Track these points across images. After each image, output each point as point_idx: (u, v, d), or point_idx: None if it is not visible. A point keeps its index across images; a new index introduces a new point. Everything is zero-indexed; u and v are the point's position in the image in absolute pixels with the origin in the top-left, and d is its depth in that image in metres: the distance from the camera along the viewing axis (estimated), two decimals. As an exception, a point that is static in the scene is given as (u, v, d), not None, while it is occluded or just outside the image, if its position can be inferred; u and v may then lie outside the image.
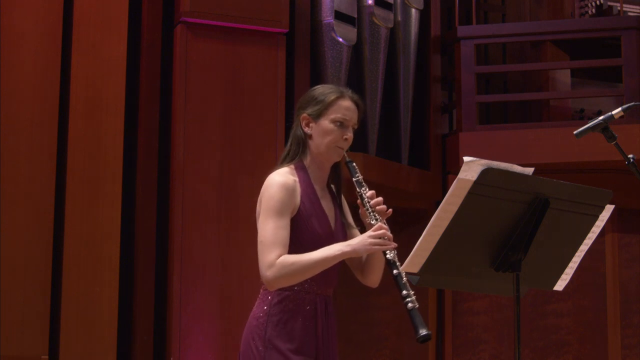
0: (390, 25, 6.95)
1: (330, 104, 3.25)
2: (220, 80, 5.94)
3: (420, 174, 7.11)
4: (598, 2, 7.99)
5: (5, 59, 5.50)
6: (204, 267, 5.73)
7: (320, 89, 3.32)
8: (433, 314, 7.10)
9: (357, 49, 6.75)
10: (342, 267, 3.30)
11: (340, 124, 3.25)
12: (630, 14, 7.88)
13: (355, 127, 3.30)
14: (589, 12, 8.02)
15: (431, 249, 2.90)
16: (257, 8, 6.01)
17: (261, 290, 3.24)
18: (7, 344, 5.29)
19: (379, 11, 6.86)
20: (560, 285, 3.20)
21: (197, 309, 5.66)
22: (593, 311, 7.11)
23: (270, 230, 3.13)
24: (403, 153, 7.04)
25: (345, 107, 3.26)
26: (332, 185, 3.37)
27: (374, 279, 3.28)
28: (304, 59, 6.44)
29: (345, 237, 3.26)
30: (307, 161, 3.29)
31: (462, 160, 2.87)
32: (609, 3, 7.98)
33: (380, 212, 3.16)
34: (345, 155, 3.27)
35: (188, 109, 5.84)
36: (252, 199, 5.94)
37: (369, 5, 6.83)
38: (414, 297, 2.99)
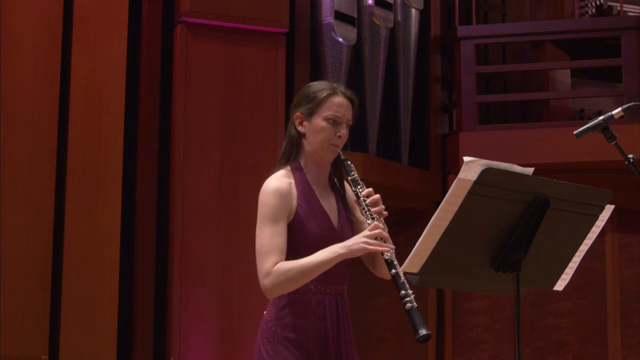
0: (390, 25, 6.95)
1: (322, 102, 3.19)
2: (220, 80, 5.94)
3: (420, 174, 7.11)
4: (598, 2, 7.99)
5: (5, 59, 5.50)
6: (204, 267, 5.73)
7: (312, 87, 3.26)
8: (433, 314, 7.10)
9: (357, 49, 6.76)
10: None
11: (333, 122, 3.18)
12: (630, 14, 7.88)
13: (350, 123, 3.23)
14: (589, 12, 8.03)
15: (431, 249, 2.90)
16: (257, 8, 6.01)
17: None
18: (7, 344, 5.29)
19: (379, 11, 6.86)
20: (560, 285, 3.20)
21: (197, 309, 5.66)
22: (593, 311, 7.11)
23: (266, 238, 3.11)
24: (403, 153, 7.04)
25: (338, 103, 3.20)
26: (336, 181, 3.32)
27: (385, 272, 3.15)
28: (304, 59, 6.44)
29: (353, 233, 3.20)
30: (303, 161, 3.24)
31: (462, 160, 2.87)
32: (609, 3, 7.98)
33: (376, 213, 3.11)
34: (341, 153, 3.21)
35: (188, 109, 5.84)
36: (252, 199, 5.95)
37: (369, 5, 6.83)
38: (412, 297, 2.95)
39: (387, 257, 3.04)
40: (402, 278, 3.00)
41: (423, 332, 2.90)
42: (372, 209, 3.11)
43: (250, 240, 5.82)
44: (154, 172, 5.96)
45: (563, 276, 3.18)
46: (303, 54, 6.46)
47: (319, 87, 3.25)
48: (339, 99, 3.20)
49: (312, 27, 6.57)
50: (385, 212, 3.14)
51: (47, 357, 5.36)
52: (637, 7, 8.20)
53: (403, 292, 2.97)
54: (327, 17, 6.56)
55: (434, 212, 2.89)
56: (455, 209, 2.87)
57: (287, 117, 6.22)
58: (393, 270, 3.01)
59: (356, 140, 6.78)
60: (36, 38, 5.57)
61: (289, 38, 6.28)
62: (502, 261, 3.00)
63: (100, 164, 5.61)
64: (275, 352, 3.12)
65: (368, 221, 3.09)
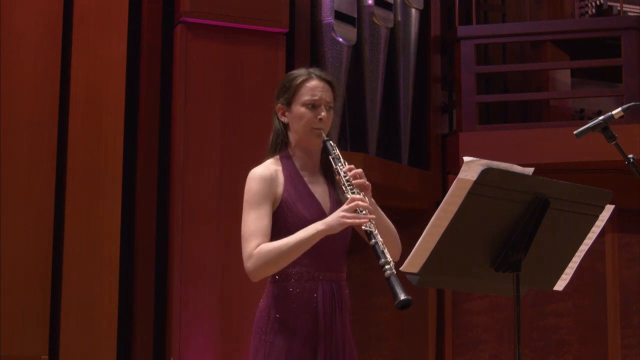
0: (390, 25, 6.95)
1: (298, 88, 3.23)
2: (220, 80, 5.94)
3: (420, 174, 7.12)
4: (598, 2, 8.00)
5: (5, 59, 5.50)
6: (204, 267, 5.73)
7: (289, 76, 3.31)
8: (433, 314, 7.10)
9: (357, 49, 6.76)
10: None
11: (312, 106, 3.21)
12: (630, 14, 7.88)
13: (331, 105, 3.24)
14: (589, 12, 8.03)
15: (431, 249, 2.90)
16: (257, 8, 6.01)
17: (267, 284, 3.24)
18: (7, 344, 5.29)
19: (379, 11, 6.86)
20: (560, 285, 3.20)
21: (197, 309, 5.66)
22: (593, 311, 7.11)
23: (249, 222, 3.20)
24: (403, 153, 7.04)
25: (313, 87, 3.22)
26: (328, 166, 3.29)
27: (390, 252, 3.10)
28: (304, 59, 6.44)
29: None
30: (291, 150, 3.28)
31: (462, 160, 2.87)
32: (609, 3, 7.99)
33: (359, 186, 3.10)
34: (323, 134, 3.21)
35: (188, 109, 5.84)
36: (252, 199, 5.95)
37: (369, 5, 6.83)
38: (392, 265, 2.93)
39: (366, 228, 3.03)
40: (382, 247, 2.98)
41: (402, 297, 2.85)
42: (354, 182, 3.10)
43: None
44: (154, 172, 5.96)
45: (563, 276, 3.18)
46: (303, 54, 6.46)
47: (294, 75, 3.29)
48: (314, 83, 3.23)
49: (312, 27, 6.58)
50: (368, 184, 3.13)
51: (47, 357, 5.36)
52: (637, 7, 8.21)
53: (382, 260, 2.95)
54: (327, 17, 6.56)
55: (434, 212, 2.89)
56: (455, 209, 2.87)
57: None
58: (372, 240, 3.00)
59: (356, 140, 6.78)
60: (36, 38, 5.57)
61: (289, 38, 6.28)
62: (502, 261, 3.00)
63: (100, 164, 5.61)
64: (267, 340, 3.14)
65: (348, 195, 3.08)
